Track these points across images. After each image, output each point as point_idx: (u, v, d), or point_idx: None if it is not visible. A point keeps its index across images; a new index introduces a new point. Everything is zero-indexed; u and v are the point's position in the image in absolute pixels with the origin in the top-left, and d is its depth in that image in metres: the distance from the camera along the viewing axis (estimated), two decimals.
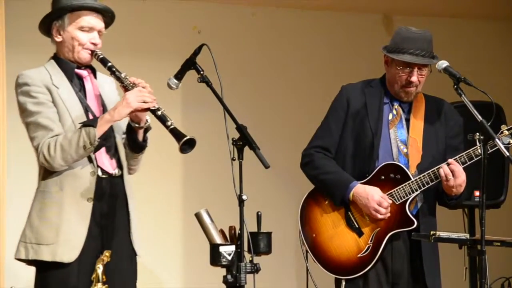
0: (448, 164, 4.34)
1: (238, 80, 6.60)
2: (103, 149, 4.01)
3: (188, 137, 3.84)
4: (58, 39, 4.08)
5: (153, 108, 3.93)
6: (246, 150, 3.91)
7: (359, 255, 4.43)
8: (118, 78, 4.02)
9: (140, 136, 4.08)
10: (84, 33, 4.06)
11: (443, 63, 4.32)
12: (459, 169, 4.33)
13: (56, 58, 4.12)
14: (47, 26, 4.11)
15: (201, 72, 4.04)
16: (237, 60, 6.71)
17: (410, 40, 4.39)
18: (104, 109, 4.09)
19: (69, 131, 3.95)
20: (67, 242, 3.92)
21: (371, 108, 4.50)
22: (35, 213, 3.98)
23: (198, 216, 4.27)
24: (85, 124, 3.91)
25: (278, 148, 6.40)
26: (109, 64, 4.04)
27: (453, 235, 4.34)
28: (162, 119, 3.92)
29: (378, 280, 4.43)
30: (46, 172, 3.99)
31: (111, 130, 4.04)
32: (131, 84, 3.98)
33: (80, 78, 4.11)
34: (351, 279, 4.43)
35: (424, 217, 4.45)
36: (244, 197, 3.91)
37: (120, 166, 4.08)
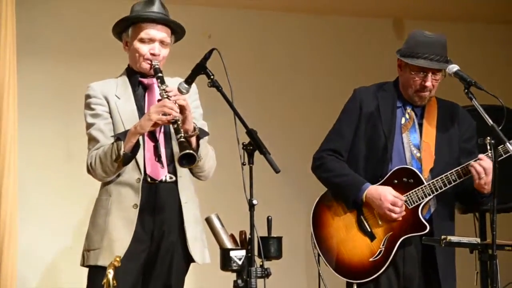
0: (478, 160, 4.31)
1: (248, 84, 6.60)
2: (152, 158, 4.10)
3: (187, 151, 3.89)
4: (126, 50, 4.23)
5: (172, 120, 3.99)
6: (257, 154, 3.91)
7: (371, 259, 4.42)
8: (159, 88, 4.09)
9: (193, 144, 4.12)
10: (145, 44, 4.17)
11: (453, 67, 4.31)
12: (490, 165, 4.30)
13: (128, 68, 4.25)
14: (119, 37, 4.24)
15: (212, 77, 4.04)
16: (247, 64, 6.71)
17: (425, 44, 4.38)
18: None
19: (106, 145, 4.06)
20: (110, 247, 4.03)
21: (384, 112, 4.49)
22: (91, 221, 4.15)
23: (208, 220, 4.27)
24: (117, 138, 4.02)
25: (289, 152, 6.39)
26: (159, 74, 4.12)
27: (464, 240, 4.32)
28: (176, 131, 3.99)
29: (389, 285, 4.42)
30: (102, 182, 4.14)
31: (167, 137, 4.13)
32: (164, 96, 4.04)
33: (145, 88, 4.21)
34: (362, 283, 4.42)
35: (438, 222, 4.43)
36: (254, 201, 3.91)
37: (174, 172, 4.13)
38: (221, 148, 5.65)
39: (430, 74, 4.39)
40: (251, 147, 3.92)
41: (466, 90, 4.21)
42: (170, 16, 4.27)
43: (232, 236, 4.24)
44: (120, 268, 3.90)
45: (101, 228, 4.06)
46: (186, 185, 4.17)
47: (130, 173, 4.08)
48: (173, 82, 4.20)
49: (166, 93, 4.05)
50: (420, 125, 4.51)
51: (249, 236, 3.97)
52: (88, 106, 4.16)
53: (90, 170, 4.09)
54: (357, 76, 6.38)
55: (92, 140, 4.13)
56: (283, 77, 6.91)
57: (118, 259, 3.66)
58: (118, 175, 4.08)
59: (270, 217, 4.18)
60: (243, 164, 3.93)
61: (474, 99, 4.18)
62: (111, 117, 4.13)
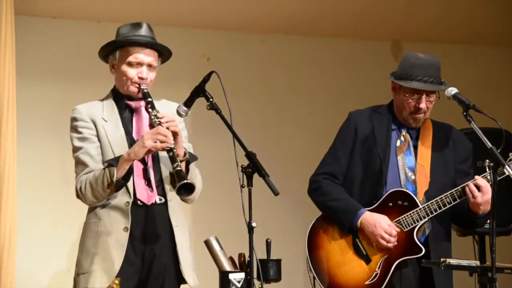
0: (474, 181, 4.32)
1: (247, 107, 6.61)
2: (141, 182, 4.08)
3: (186, 181, 3.88)
4: (113, 73, 4.21)
5: (166, 148, 3.98)
6: (256, 177, 3.91)
7: (366, 282, 4.41)
8: (150, 114, 4.09)
9: (183, 169, 4.08)
10: (133, 68, 4.15)
11: (452, 90, 4.32)
12: (486, 184, 4.30)
13: (114, 90, 4.23)
14: (105, 60, 4.23)
15: (211, 99, 4.05)
16: (246, 87, 6.73)
17: (418, 66, 4.39)
18: None
19: (97, 170, 4.04)
20: (101, 271, 3.99)
21: (379, 135, 4.50)
22: (80, 245, 4.11)
23: (207, 243, 4.27)
24: (108, 164, 4.00)
25: (288, 175, 6.39)
26: (149, 99, 4.11)
27: (464, 262, 4.31)
28: (172, 160, 3.98)
29: None
30: (90, 206, 4.12)
31: (156, 161, 4.11)
32: (156, 122, 4.03)
33: (132, 111, 4.19)
34: None
35: (434, 244, 4.43)
36: (253, 224, 3.90)
37: (164, 196, 4.11)
38: (220, 170, 5.66)
39: (424, 96, 4.40)
40: (250, 170, 3.92)
41: (464, 113, 4.22)
42: (157, 38, 4.26)
43: (231, 259, 4.24)
44: None
45: (91, 252, 4.04)
46: (175, 208, 4.16)
47: (119, 197, 4.06)
48: (160, 104, 4.20)
49: (158, 119, 4.04)
50: (415, 148, 4.52)
51: (248, 259, 3.96)
52: (74, 129, 4.14)
53: (80, 195, 4.07)
54: (356, 98, 6.39)
55: (80, 164, 4.10)
56: (282, 100, 6.92)
57: (117, 281, 3.66)
58: (107, 199, 4.06)
59: (269, 240, 4.17)
60: (242, 186, 3.93)
61: (473, 122, 4.18)
62: (99, 141, 4.11)
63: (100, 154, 4.09)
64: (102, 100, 4.23)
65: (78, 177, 4.08)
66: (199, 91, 4.09)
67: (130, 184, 4.06)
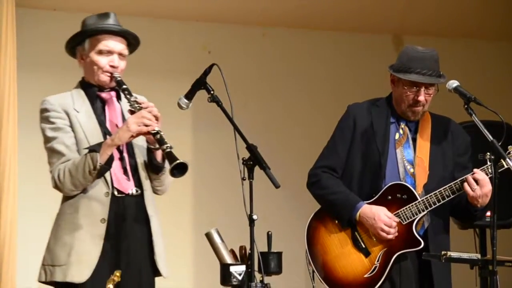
0: (473, 174, 4.32)
1: (248, 99, 6.61)
2: (119, 170, 4.04)
3: (179, 161, 3.85)
4: (82, 64, 4.15)
5: (152, 131, 3.95)
6: (257, 169, 3.91)
7: (365, 275, 4.41)
8: (128, 101, 4.04)
9: (158, 157, 4.09)
10: (103, 56, 4.09)
11: (453, 83, 4.32)
12: (484, 177, 4.31)
13: (83, 81, 4.18)
14: (72, 51, 4.18)
15: (212, 92, 4.04)
16: (247, 79, 6.73)
17: (417, 59, 4.39)
18: None
19: (76, 157, 3.98)
20: (79, 263, 3.94)
21: (377, 128, 4.50)
22: (52, 236, 4.03)
23: (208, 236, 4.27)
24: (90, 150, 3.94)
25: (289, 167, 6.39)
26: (124, 86, 4.07)
27: (464, 255, 4.32)
28: (160, 142, 3.94)
29: None
30: (65, 196, 4.05)
31: (130, 151, 4.08)
32: (137, 107, 4.00)
33: (103, 101, 4.15)
34: None
35: (434, 237, 4.43)
36: (254, 216, 3.91)
37: (139, 186, 4.08)
38: (221, 163, 5.67)
39: (422, 89, 4.40)
40: (251, 162, 3.92)
41: (465, 106, 4.22)
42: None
43: (232, 251, 4.24)
44: (88, 285, 3.90)
45: (67, 243, 3.96)
46: (150, 199, 4.12)
47: (97, 187, 4.00)
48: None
49: (138, 105, 4.01)
50: (414, 140, 4.51)
51: (249, 251, 3.97)
52: (46, 120, 4.06)
53: (58, 183, 3.98)
54: (357, 91, 6.39)
55: (55, 153, 4.01)
56: (283, 92, 6.93)
57: (118, 274, 3.65)
58: (84, 189, 4.00)
59: (270, 232, 4.18)
60: (243, 179, 3.93)
61: (474, 115, 4.18)
62: (73, 131, 4.04)
63: (75, 144, 4.02)
64: (71, 91, 4.15)
65: (55, 166, 3.99)
66: (200, 84, 4.09)
67: (107, 174, 4.00)
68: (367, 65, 6.99)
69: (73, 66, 6.33)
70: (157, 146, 4.02)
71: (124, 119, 4.12)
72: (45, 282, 4.03)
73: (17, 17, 5.62)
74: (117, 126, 4.09)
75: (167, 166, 4.05)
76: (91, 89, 4.13)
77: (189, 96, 4.12)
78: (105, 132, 4.06)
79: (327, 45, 7.03)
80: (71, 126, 4.04)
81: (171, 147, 3.90)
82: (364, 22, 6.92)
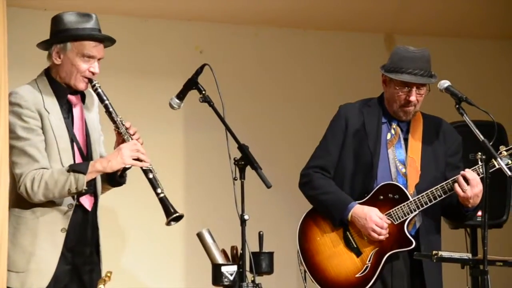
0: (463, 175, 4.33)
1: (240, 100, 6.60)
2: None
3: (177, 214, 3.91)
4: (57, 61, 4.08)
5: (145, 168, 3.96)
6: (248, 169, 3.91)
7: (357, 275, 4.42)
8: (113, 121, 4.03)
9: (119, 172, 4.10)
10: (84, 61, 4.06)
11: (444, 83, 4.33)
12: (475, 177, 4.32)
13: (49, 76, 4.11)
14: (48, 46, 4.12)
15: (203, 92, 4.05)
16: (239, 80, 6.72)
17: (408, 59, 4.40)
18: (87, 138, 4.09)
19: (55, 170, 3.93)
20: (38, 271, 3.93)
21: (369, 128, 4.51)
22: (10, 240, 3.94)
23: (200, 236, 4.27)
24: (75, 169, 3.91)
25: (280, 167, 6.39)
26: (106, 102, 4.04)
27: (455, 255, 4.33)
28: (153, 184, 3.96)
29: None
30: (23, 198, 3.98)
31: (90, 159, 4.06)
32: (126, 130, 3.99)
33: (70, 103, 4.11)
34: None
35: (425, 236, 4.45)
36: (246, 216, 3.91)
37: (95, 199, 4.10)
38: (213, 163, 5.66)
39: (414, 89, 4.41)
40: (243, 162, 3.92)
41: (457, 106, 4.23)
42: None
43: (223, 251, 4.24)
44: None
45: (27, 250, 3.94)
46: (99, 211, 4.15)
47: (61, 199, 3.98)
48: (92, 101, 4.16)
49: (128, 133, 4.00)
50: (406, 140, 4.53)
51: (241, 251, 3.97)
52: (19, 117, 3.99)
53: (29, 192, 3.91)
54: (349, 91, 6.40)
55: (26, 156, 3.94)
56: (275, 92, 6.92)
57: (109, 274, 3.65)
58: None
59: (261, 232, 4.18)
60: (235, 179, 3.93)
61: (465, 115, 4.19)
62: (44, 134, 3.99)
63: (44, 148, 3.97)
64: (37, 85, 4.09)
65: (27, 172, 3.91)
66: (191, 84, 4.09)
67: None
68: (359, 64, 6.99)
69: None
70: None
71: (86, 125, 4.10)
72: None
73: (8, 16, 5.60)
74: (82, 133, 4.06)
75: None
76: (61, 89, 4.08)
77: (181, 96, 4.13)
78: (72, 139, 4.04)
79: (319, 45, 7.03)
80: (42, 128, 3.99)
81: (163, 192, 3.93)
82: (356, 21, 6.91)
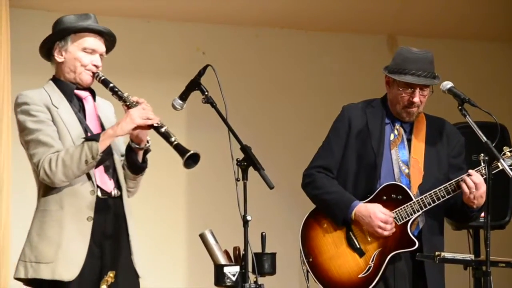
0: (469, 176, 4.33)
1: (242, 100, 6.61)
2: (101, 169, 4.01)
3: (192, 151, 3.84)
4: (60, 59, 4.08)
5: (156, 124, 3.93)
6: (251, 170, 3.91)
7: (360, 275, 4.42)
8: (121, 98, 4.02)
9: (140, 158, 4.08)
10: (87, 54, 4.06)
11: (447, 84, 4.33)
12: (480, 180, 4.31)
13: (55, 79, 4.11)
14: (49, 47, 4.12)
15: (206, 93, 4.04)
16: (242, 81, 6.73)
17: (412, 60, 4.40)
18: (103, 130, 4.06)
19: (70, 147, 3.93)
20: (67, 260, 3.90)
21: (372, 129, 4.51)
22: (35, 232, 3.96)
23: (202, 236, 4.27)
24: (87, 139, 3.90)
25: (283, 168, 6.39)
26: (111, 85, 4.04)
27: (458, 256, 4.33)
28: (166, 136, 3.92)
29: None
30: (46, 191, 3.98)
31: (110, 150, 4.03)
32: (134, 103, 3.99)
33: (80, 99, 4.11)
34: None
35: (428, 237, 4.44)
36: (248, 217, 3.91)
37: (119, 187, 4.07)
38: (215, 164, 5.66)
39: (417, 90, 4.41)
40: (245, 163, 3.92)
41: (460, 107, 4.23)
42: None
43: (226, 252, 4.24)
44: (75, 283, 3.87)
45: (54, 241, 3.91)
46: (127, 200, 4.11)
47: (82, 184, 3.96)
48: (102, 102, 4.17)
49: (134, 101, 3.99)
50: (409, 141, 4.52)
51: (243, 252, 3.97)
52: (26, 113, 3.97)
53: (49, 173, 3.89)
54: (351, 92, 6.39)
55: (41, 144, 3.93)
56: (277, 93, 6.93)
57: (112, 274, 3.65)
58: (68, 185, 3.95)
59: (264, 233, 4.18)
60: (237, 180, 3.93)
61: (468, 116, 4.19)
62: (55, 125, 3.97)
63: (58, 138, 3.96)
64: (44, 89, 4.09)
65: (44, 156, 3.91)
66: (194, 85, 4.09)
67: (91, 171, 3.97)
68: (362, 65, 7.00)
69: None
70: (142, 145, 4.01)
71: (100, 118, 4.11)
72: (24, 279, 3.96)
73: (12, 17, 5.61)
74: (97, 124, 4.06)
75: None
76: (67, 87, 4.07)
77: (183, 97, 4.12)
78: (86, 129, 4.03)
79: (321, 46, 7.04)
80: (53, 121, 3.98)
81: (177, 140, 3.89)
82: (358, 22, 6.92)
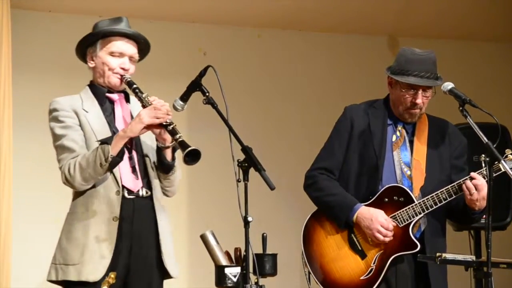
0: (471, 179, 4.32)
1: (243, 101, 6.61)
2: (128, 170, 4.06)
3: (193, 147, 3.88)
4: (91, 64, 4.17)
5: (165, 123, 3.98)
6: (252, 171, 3.91)
7: (362, 278, 4.41)
8: (140, 99, 4.08)
9: (168, 156, 4.12)
10: (115, 58, 4.13)
11: (448, 85, 4.32)
12: (482, 182, 4.31)
13: (91, 84, 4.21)
14: (83, 52, 4.20)
15: (207, 94, 4.05)
16: (243, 81, 6.73)
17: (414, 61, 4.39)
18: None
19: (87, 152, 4.01)
20: (93, 261, 3.95)
21: (374, 130, 4.50)
22: (64, 235, 4.05)
23: (203, 237, 4.27)
24: (101, 142, 3.96)
25: (284, 169, 6.39)
26: (134, 86, 4.10)
27: (459, 257, 4.33)
28: (172, 133, 3.98)
29: None
30: (75, 195, 4.07)
31: (139, 150, 4.10)
32: (149, 103, 4.03)
33: (112, 102, 4.18)
34: None
35: (430, 239, 4.43)
36: (249, 218, 3.91)
37: (149, 187, 4.10)
38: (216, 164, 5.66)
39: (420, 91, 4.41)
40: (246, 164, 3.92)
41: (461, 108, 4.23)
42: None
43: (227, 253, 4.24)
44: (101, 283, 3.86)
45: (80, 243, 3.98)
46: (159, 199, 4.14)
47: (107, 185, 4.03)
48: (138, 102, 4.18)
49: (150, 101, 4.03)
50: (411, 143, 4.52)
51: (244, 253, 3.97)
52: (55, 119, 4.08)
53: (69, 178, 3.99)
54: (353, 93, 6.39)
55: (65, 149, 4.03)
56: (278, 94, 6.93)
57: (113, 275, 3.65)
58: (93, 187, 4.01)
59: (265, 234, 4.17)
60: (238, 181, 3.93)
61: (469, 117, 4.19)
62: (82, 130, 4.06)
63: (84, 142, 4.04)
64: (80, 94, 4.19)
65: (65, 161, 4.01)
66: (195, 86, 4.09)
67: (117, 172, 4.03)
68: (363, 66, 7.00)
69: (68, 67, 6.34)
70: (167, 144, 4.06)
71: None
72: (56, 281, 4.03)
73: (13, 18, 5.61)
74: (126, 126, 4.09)
75: (177, 164, 4.09)
76: (99, 90, 4.16)
77: (184, 98, 4.13)
78: (114, 132, 4.08)
79: (322, 47, 7.03)
80: (80, 125, 4.07)
81: (182, 137, 3.94)
82: (359, 23, 6.92)
